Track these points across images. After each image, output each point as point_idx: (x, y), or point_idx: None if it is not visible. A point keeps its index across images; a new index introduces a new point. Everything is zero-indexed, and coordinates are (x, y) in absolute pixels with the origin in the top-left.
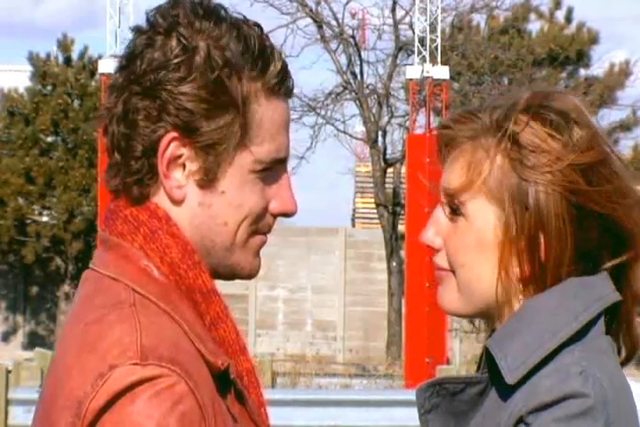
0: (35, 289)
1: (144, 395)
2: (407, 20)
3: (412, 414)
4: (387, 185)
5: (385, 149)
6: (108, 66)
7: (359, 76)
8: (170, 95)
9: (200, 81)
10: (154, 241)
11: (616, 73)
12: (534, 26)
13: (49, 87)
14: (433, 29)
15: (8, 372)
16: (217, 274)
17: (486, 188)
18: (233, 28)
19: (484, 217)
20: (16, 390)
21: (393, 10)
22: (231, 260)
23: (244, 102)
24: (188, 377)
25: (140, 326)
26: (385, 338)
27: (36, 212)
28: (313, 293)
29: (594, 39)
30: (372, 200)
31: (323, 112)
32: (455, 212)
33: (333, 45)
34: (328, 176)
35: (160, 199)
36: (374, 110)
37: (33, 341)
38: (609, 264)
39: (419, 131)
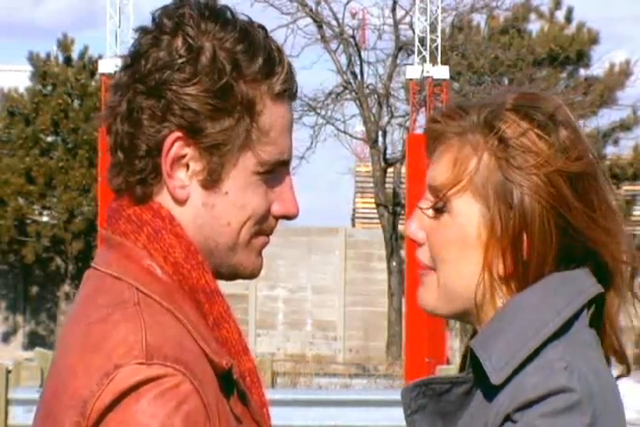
0: (35, 289)
1: (149, 394)
2: (407, 20)
3: None
4: (387, 185)
5: (385, 149)
6: (108, 66)
7: (359, 76)
8: (175, 95)
9: (206, 82)
10: (157, 241)
11: (616, 73)
12: (534, 26)
13: (49, 87)
14: (433, 29)
15: (8, 372)
16: (219, 274)
17: (472, 185)
18: (239, 29)
19: (468, 214)
20: (16, 390)
21: (393, 10)
22: (234, 260)
23: (250, 105)
24: (193, 377)
25: (144, 326)
26: (385, 338)
27: (36, 212)
28: (313, 293)
29: (594, 39)
30: (372, 200)
31: (323, 112)
32: (439, 208)
33: (333, 45)
34: (328, 176)
35: (163, 199)
36: (374, 110)
37: (33, 341)
38: (592, 268)
39: (419, 131)
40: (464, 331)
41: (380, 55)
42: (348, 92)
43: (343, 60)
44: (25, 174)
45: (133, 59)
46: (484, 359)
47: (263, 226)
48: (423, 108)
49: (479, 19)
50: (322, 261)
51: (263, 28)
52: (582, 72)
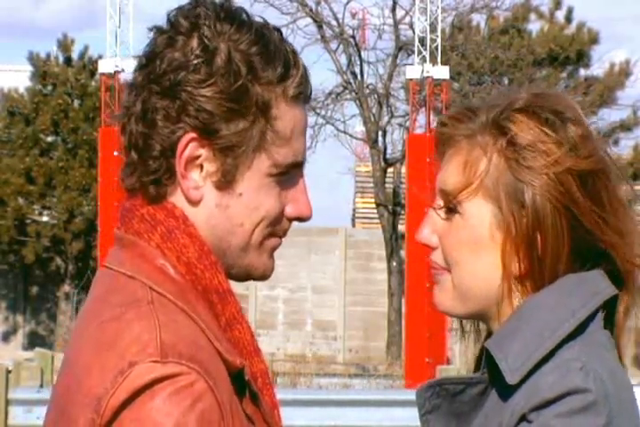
0: (35, 289)
1: (163, 393)
2: (407, 20)
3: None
4: (387, 185)
5: (385, 149)
6: (108, 66)
7: (359, 76)
8: (190, 96)
9: (221, 84)
10: (171, 240)
11: (616, 73)
12: (534, 26)
13: (49, 87)
14: (433, 29)
15: (8, 372)
16: (231, 275)
17: (482, 186)
18: (255, 31)
19: (480, 215)
20: (16, 390)
21: (393, 10)
22: (246, 261)
23: (264, 107)
24: (208, 375)
25: (159, 324)
26: (385, 338)
27: (36, 212)
28: (313, 293)
29: (594, 39)
30: (372, 200)
31: (323, 112)
32: (451, 210)
33: (333, 45)
34: (328, 176)
35: (177, 199)
36: (374, 110)
37: (33, 341)
38: (607, 268)
39: (419, 131)
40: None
41: (380, 55)
42: (347, 92)
43: (343, 60)
44: (25, 174)
45: (148, 59)
46: (500, 360)
47: (276, 228)
48: (423, 108)
49: (479, 19)
50: (322, 261)
51: (278, 30)
52: (582, 72)
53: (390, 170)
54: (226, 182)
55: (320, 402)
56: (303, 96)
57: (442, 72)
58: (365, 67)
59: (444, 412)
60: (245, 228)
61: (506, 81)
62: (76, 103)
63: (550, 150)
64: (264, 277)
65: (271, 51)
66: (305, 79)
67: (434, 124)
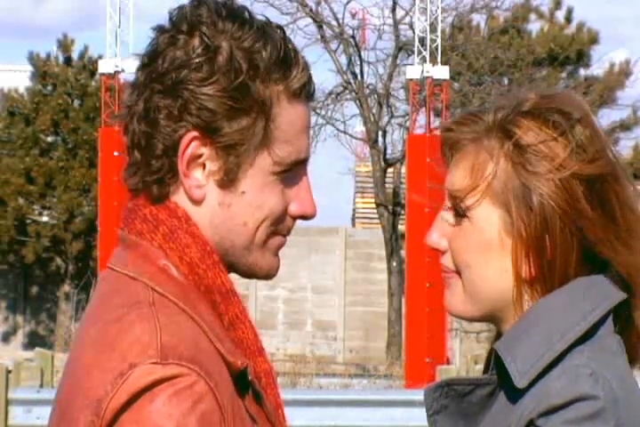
0: (35, 289)
1: (164, 394)
2: (407, 20)
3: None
4: (387, 185)
5: (385, 149)
6: (107, 66)
7: (359, 76)
8: (192, 95)
9: (222, 82)
10: (173, 240)
11: (616, 73)
12: (534, 26)
13: (49, 87)
14: (433, 29)
15: (8, 372)
16: (235, 273)
17: (490, 190)
18: (256, 29)
19: (489, 219)
20: (16, 390)
21: (393, 10)
22: (250, 260)
23: (266, 105)
24: (208, 377)
25: (159, 325)
26: (385, 338)
27: (36, 212)
28: (313, 293)
29: (594, 39)
30: (372, 200)
31: (323, 112)
32: (460, 214)
33: (333, 45)
34: (328, 176)
35: (180, 199)
36: (374, 110)
37: (33, 341)
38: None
39: (419, 131)
40: (464, 331)
41: (380, 55)
42: (348, 92)
43: (343, 60)
44: (25, 174)
45: (150, 58)
46: (509, 362)
47: (280, 226)
48: (423, 108)
49: (479, 19)
50: (322, 261)
51: (280, 28)
52: (582, 72)
53: (390, 170)
54: (228, 181)
55: (320, 402)
56: (305, 93)
57: (442, 72)
58: (365, 67)
59: (452, 412)
60: (248, 227)
61: (506, 81)
62: (76, 103)
63: (556, 155)
64: (269, 276)
65: (273, 48)
66: (307, 76)
67: (434, 125)
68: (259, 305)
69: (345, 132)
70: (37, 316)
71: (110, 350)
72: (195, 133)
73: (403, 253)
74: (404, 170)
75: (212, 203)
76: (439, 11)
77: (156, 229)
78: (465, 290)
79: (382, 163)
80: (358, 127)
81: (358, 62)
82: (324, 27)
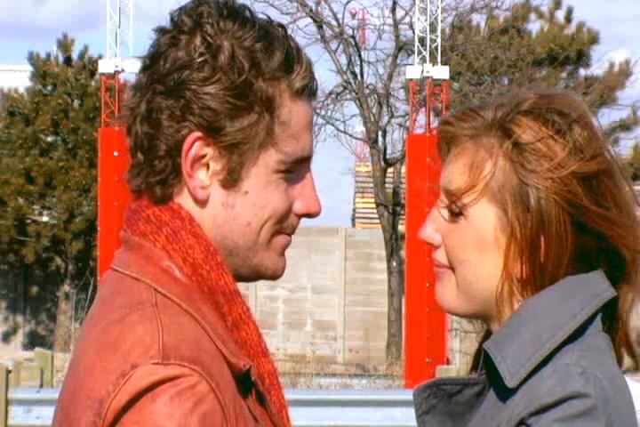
0: (35, 289)
1: (165, 395)
2: (407, 20)
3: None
4: (387, 185)
5: (385, 149)
6: (107, 66)
7: (359, 76)
8: (194, 95)
9: (224, 81)
10: (176, 241)
11: (616, 73)
12: (534, 26)
13: (49, 87)
14: (433, 29)
15: (8, 372)
16: (240, 275)
17: (488, 189)
18: (258, 28)
19: (485, 217)
20: (16, 390)
21: (393, 10)
22: (254, 260)
23: (269, 103)
24: (210, 377)
25: (161, 326)
26: (385, 338)
27: (36, 212)
28: (313, 293)
29: (594, 39)
30: (372, 200)
31: (323, 112)
32: (455, 210)
33: (333, 45)
34: (328, 176)
35: (183, 199)
36: (374, 110)
37: (33, 341)
38: (605, 269)
39: (419, 131)
40: (464, 331)
41: (380, 55)
42: (347, 92)
43: (343, 60)
44: (25, 174)
45: (152, 59)
46: (499, 362)
47: (284, 225)
48: (423, 108)
49: (479, 19)
50: (322, 261)
51: (282, 26)
52: (582, 72)
53: (390, 170)
54: (232, 181)
55: (320, 402)
56: (308, 91)
57: (442, 72)
58: (365, 67)
59: (441, 412)
60: (252, 227)
61: (506, 81)
62: (76, 103)
63: (555, 154)
64: (274, 276)
65: (275, 47)
66: (309, 74)
67: (434, 124)
68: (259, 305)
69: (345, 132)
70: (37, 316)
71: (112, 350)
72: (198, 134)
73: (403, 253)
74: (404, 170)
75: (216, 203)
76: (439, 11)
77: (159, 230)
78: (458, 286)
79: (382, 163)
80: (358, 127)
81: (358, 62)
82: (324, 27)
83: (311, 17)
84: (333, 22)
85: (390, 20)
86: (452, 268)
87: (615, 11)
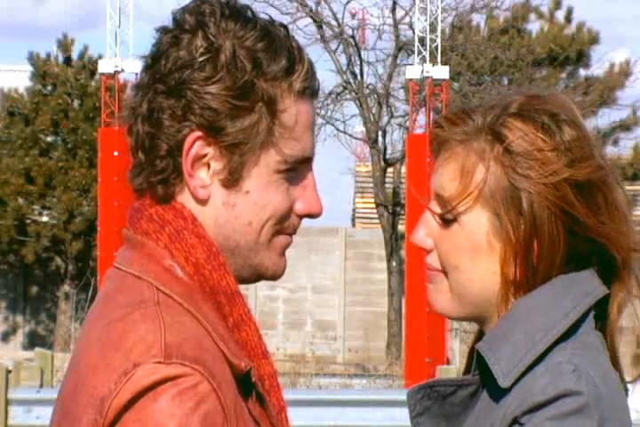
0: (35, 289)
1: (167, 394)
2: (407, 20)
3: None
4: (387, 185)
5: (385, 149)
6: (107, 66)
7: (359, 76)
8: (195, 94)
9: (226, 81)
10: (179, 241)
11: (616, 73)
12: (534, 26)
13: (49, 87)
14: (433, 29)
15: (8, 372)
16: (241, 276)
17: (479, 193)
18: (259, 28)
19: (478, 222)
20: (16, 390)
21: (393, 10)
22: (255, 260)
23: (270, 103)
24: (212, 377)
25: (164, 325)
26: (385, 338)
27: (36, 212)
28: (313, 293)
29: (594, 39)
30: (372, 200)
31: (323, 112)
32: (447, 215)
33: (333, 45)
34: (328, 176)
35: (185, 199)
36: (374, 110)
37: (33, 341)
38: (596, 267)
39: (419, 131)
40: (464, 331)
41: (380, 55)
42: (347, 92)
43: (343, 60)
44: (25, 174)
45: (153, 59)
46: (493, 363)
47: (285, 225)
48: (423, 108)
49: (479, 19)
50: (322, 261)
51: (284, 26)
52: (582, 72)
53: (390, 170)
54: (233, 180)
55: (320, 402)
56: (309, 91)
57: (442, 72)
58: (365, 67)
59: (435, 414)
60: (253, 226)
61: (506, 81)
62: (76, 103)
63: (547, 158)
64: (275, 276)
65: (276, 47)
66: (311, 74)
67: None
68: (259, 305)
69: (345, 132)
70: (37, 316)
71: (114, 349)
72: (199, 133)
73: (403, 253)
74: (404, 170)
75: (217, 203)
76: (439, 11)
77: (162, 229)
78: (451, 289)
79: (382, 163)
80: (358, 127)
81: (358, 62)
82: (324, 27)
83: (311, 17)
84: (333, 22)
85: (390, 20)
86: (444, 272)
87: (615, 11)
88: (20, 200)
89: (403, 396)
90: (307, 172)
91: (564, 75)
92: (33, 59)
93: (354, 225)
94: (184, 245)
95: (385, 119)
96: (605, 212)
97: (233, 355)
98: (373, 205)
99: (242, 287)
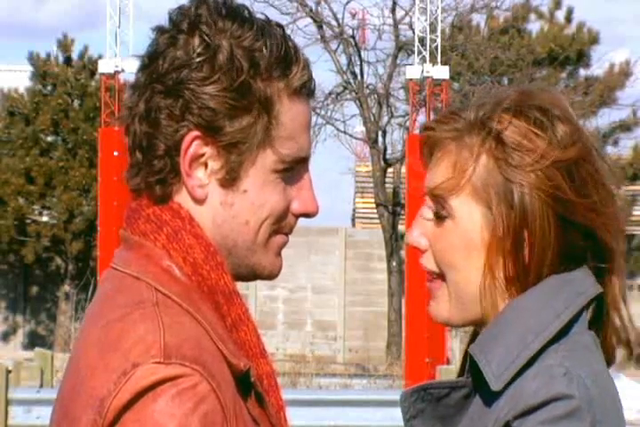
0: (35, 289)
1: (166, 394)
2: (407, 20)
3: None
4: (387, 185)
5: (385, 149)
6: (107, 66)
7: (359, 76)
8: (193, 94)
9: (223, 81)
10: (177, 241)
11: (616, 73)
12: (534, 26)
13: (49, 87)
14: (433, 29)
15: (8, 372)
16: (238, 275)
17: (472, 187)
18: (256, 28)
19: (471, 217)
20: (16, 390)
21: (393, 10)
22: (252, 259)
23: (267, 102)
24: (211, 377)
25: (163, 325)
26: (385, 338)
27: (36, 212)
28: (313, 293)
29: (594, 39)
30: (372, 200)
31: (323, 112)
32: (441, 212)
33: (333, 45)
34: (328, 176)
35: (182, 199)
36: (374, 110)
37: (33, 341)
38: (591, 265)
39: (419, 131)
40: (464, 331)
41: (380, 55)
42: (347, 92)
43: (343, 60)
44: (25, 174)
45: (151, 59)
46: (484, 365)
47: (282, 224)
48: (423, 108)
49: (479, 19)
50: (322, 261)
51: (281, 26)
52: (582, 72)
53: (390, 170)
54: (230, 180)
55: (320, 402)
56: (306, 91)
57: (442, 72)
58: (365, 67)
59: (429, 416)
60: (250, 226)
61: (506, 81)
62: (76, 103)
63: (537, 148)
64: (271, 276)
65: (273, 46)
66: (308, 74)
67: None
68: (259, 305)
69: (345, 132)
70: (37, 316)
71: (113, 349)
72: (196, 133)
73: (403, 253)
74: (404, 170)
75: (215, 202)
76: (439, 11)
77: (159, 229)
78: (450, 296)
79: (382, 163)
80: (358, 127)
81: (358, 62)
82: (324, 27)
83: (311, 17)
84: (333, 22)
85: (390, 20)
86: (440, 274)
87: (615, 11)
88: (21, 200)
89: None
90: (303, 172)
91: (564, 75)
92: (33, 59)
93: (354, 225)
94: (182, 246)
95: (385, 119)
96: (595, 194)
97: (232, 355)
98: (373, 205)
99: (242, 287)
